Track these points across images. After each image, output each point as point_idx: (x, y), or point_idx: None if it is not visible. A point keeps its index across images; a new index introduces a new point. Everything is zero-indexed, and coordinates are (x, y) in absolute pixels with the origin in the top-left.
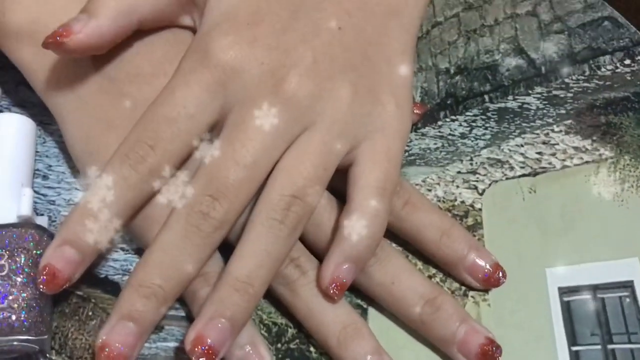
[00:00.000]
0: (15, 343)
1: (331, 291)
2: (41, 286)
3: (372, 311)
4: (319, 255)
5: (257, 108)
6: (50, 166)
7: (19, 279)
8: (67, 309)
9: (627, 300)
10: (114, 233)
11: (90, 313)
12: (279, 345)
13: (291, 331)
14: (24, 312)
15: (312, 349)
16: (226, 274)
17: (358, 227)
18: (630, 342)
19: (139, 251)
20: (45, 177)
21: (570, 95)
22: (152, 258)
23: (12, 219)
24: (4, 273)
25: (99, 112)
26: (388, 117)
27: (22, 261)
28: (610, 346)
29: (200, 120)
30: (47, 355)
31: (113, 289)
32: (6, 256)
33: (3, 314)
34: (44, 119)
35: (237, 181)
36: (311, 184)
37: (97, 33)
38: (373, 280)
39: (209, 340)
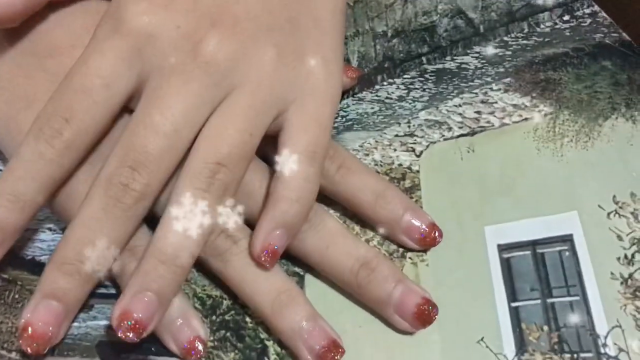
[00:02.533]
0: None
1: (263, 259)
2: None
3: (309, 277)
4: (250, 224)
5: (175, 74)
6: None
7: None
8: None
9: (567, 254)
10: (34, 211)
11: (16, 296)
12: (214, 317)
13: (226, 303)
14: None
15: (247, 319)
16: (151, 246)
17: (288, 192)
18: (569, 294)
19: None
20: None
21: (509, 53)
22: (73, 234)
23: None
24: None
25: (18, 89)
26: (316, 80)
27: None
28: (549, 300)
29: (116, 90)
30: None
31: (40, 270)
32: None
33: None
34: None
35: (157, 151)
36: (236, 150)
37: (7, 3)
38: (307, 245)
39: (136, 315)
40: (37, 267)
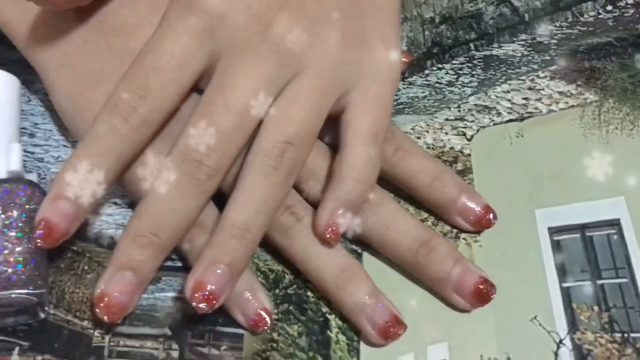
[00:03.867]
0: (13, 296)
1: (327, 236)
2: (38, 240)
3: (366, 256)
4: (312, 202)
5: (246, 54)
6: (37, 124)
7: (13, 234)
8: (62, 264)
9: (615, 237)
10: (107, 185)
11: (85, 267)
12: (277, 291)
13: (288, 277)
14: (20, 265)
15: (309, 293)
16: (223, 220)
17: (352, 172)
18: (618, 277)
19: (132, 205)
20: (32, 135)
21: (554, 42)
22: (148, 207)
23: (1, 174)
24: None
25: (85, 67)
26: (378, 63)
27: (16, 216)
28: (599, 281)
29: (189, 69)
30: (46, 308)
31: (107, 243)
32: (4, 209)
33: (4, 269)
34: (27, 77)
35: (229, 129)
36: (303, 130)
37: None
38: (368, 225)
39: (209, 286)
40: (103, 240)
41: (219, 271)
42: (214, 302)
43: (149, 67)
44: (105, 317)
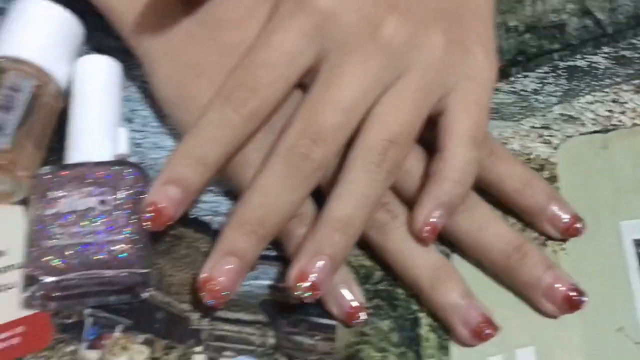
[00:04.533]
0: (122, 275)
1: (424, 234)
2: (146, 223)
3: (455, 258)
4: (405, 201)
5: (354, 53)
6: (134, 110)
7: (121, 215)
8: (162, 247)
9: None
10: (214, 174)
11: (183, 251)
12: (368, 286)
13: (378, 273)
14: (128, 245)
15: (399, 290)
16: (326, 214)
17: (451, 174)
18: None
19: (228, 193)
20: (130, 121)
21: (637, 55)
22: (254, 198)
23: (109, 157)
24: (108, 208)
25: (189, 57)
26: (478, 66)
27: (124, 197)
28: None
29: (298, 65)
30: (150, 289)
31: (203, 229)
32: (109, 192)
33: (109, 247)
34: (125, 64)
35: (335, 125)
36: (406, 130)
37: None
38: (461, 227)
39: (312, 277)
40: (200, 226)
41: (321, 263)
42: (317, 292)
43: (260, 62)
44: (210, 301)
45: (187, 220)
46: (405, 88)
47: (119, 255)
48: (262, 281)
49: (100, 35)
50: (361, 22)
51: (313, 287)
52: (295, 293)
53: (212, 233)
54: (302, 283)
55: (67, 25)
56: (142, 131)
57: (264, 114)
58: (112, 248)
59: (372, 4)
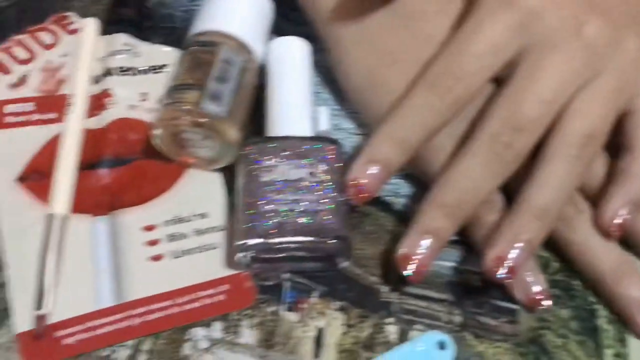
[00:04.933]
0: (328, 242)
1: (612, 230)
2: (348, 197)
3: None
4: (586, 197)
5: (558, 49)
6: (317, 92)
7: (326, 186)
8: (351, 222)
9: None
10: (411, 156)
11: (369, 228)
12: (545, 275)
13: (555, 264)
14: (332, 216)
15: (576, 281)
16: (525, 202)
17: None
18: None
19: (408, 176)
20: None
21: None
22: (454, 180)
23: (309, 133)
24: (316, 180)
25: (383, 45)
26: None
27: (327, 170)
28: None
29: (501, 58)
30: (347, 259)
31: (386, 208)
32: (315, 165)
33: (316, 216)
34: None
35: (537, 116)
36: (602, 127)
37: None
38: (638, 226)
39: (509, 261)
40: (382, 206)
41: (519, 248)
42: (513, 276)
43: (467, 51)
44: (411, 277)
45: (373, 200)
46: (602, 87)
47: (326, 224)
48: (446, 262)
49: (279, 19)
50: (566, 21)
51: (510, 271)
52: (492, 275)
53: (394, 213)
54: (499, 267)
55: (264, 6)
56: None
57: (465, 102)
58: (319, 217)
59: (575, 4)
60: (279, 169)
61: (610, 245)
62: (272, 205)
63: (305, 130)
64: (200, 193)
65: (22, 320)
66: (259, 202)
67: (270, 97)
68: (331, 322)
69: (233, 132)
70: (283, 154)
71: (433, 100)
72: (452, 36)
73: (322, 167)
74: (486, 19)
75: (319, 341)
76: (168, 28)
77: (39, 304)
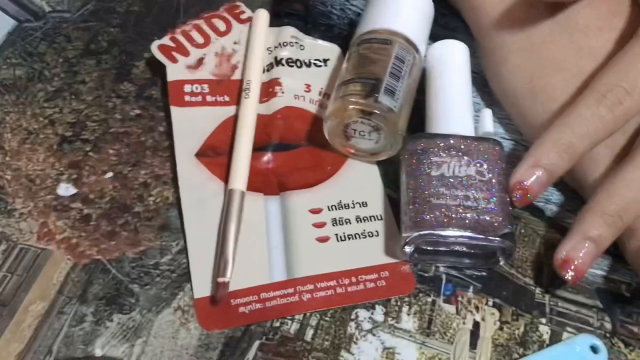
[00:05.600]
0: (492, 240)
1: None
2: (515, 200)
3: None
4: None
5: None
6: None
7: (492, 186)
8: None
9: None
10: (575, 162)
11: (522, 230)
12: None
13: None
14: (498, 214)
15: None
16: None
17: None
18: None
19: (558, 184)
20: None
21: None
22: (617, 190)
23: (472, 132)
24: (484, 178)
25: (547, 54)
26: None
27: (495, 170)
28: None
29: None
30: (508, 258)
31: (538, 214)
32: (483, 164)
33: (484, 213)
34: None
35: None
36: None
37: None
38: None
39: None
40: (535, 211)
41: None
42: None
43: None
44: (570, 279)
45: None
46: None
47: (492, 222)
48: (596, 270)
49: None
50: None
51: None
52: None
53: (545, 218)
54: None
55: (428, 7)
56: (482, 110)
57: (632, 116)
58: (486, 214)
59: None
60: (448, 165)
61: None
62: (441, 200)
63: (468, 130)
64: (360, 183)
65: (200, 286)
66: (428, 196)
67: (433, 97)
68: (486, 317)
69: (402, 126)
70: (450, 151)
71: (602, 111)
72: (623, 50)
73: (488, 166)
74: None
75: (475, 334)
76: (326, 25)
77: (223, 271)
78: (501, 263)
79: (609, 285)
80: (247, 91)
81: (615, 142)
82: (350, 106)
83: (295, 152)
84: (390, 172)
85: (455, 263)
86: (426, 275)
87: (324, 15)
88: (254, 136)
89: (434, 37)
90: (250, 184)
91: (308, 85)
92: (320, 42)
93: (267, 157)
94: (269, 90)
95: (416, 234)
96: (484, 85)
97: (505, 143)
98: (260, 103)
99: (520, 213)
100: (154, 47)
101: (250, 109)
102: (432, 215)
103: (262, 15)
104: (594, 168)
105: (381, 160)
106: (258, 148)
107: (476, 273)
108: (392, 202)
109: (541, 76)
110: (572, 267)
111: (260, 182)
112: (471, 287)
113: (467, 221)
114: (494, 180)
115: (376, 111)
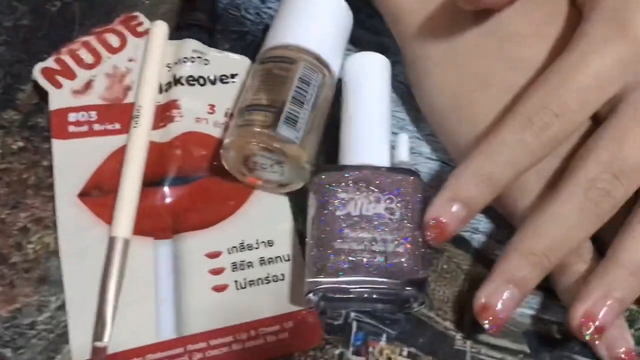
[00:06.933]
0: (402, 286)
1: None
2: (429, 237)
3: None
4: None
5: None
6: (393, 111)
7: (404, 224)
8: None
9: None
10: (498, 194)
11: (444, 266)
12: (631, 330)
13: None
14: (409, 256)
15: None
16: (620, 254)
17: None
18: None
19: (487, 211)
20: None
21: None
22: (544, 227)
23: (388, 162)
24: (393, 216)
25: (473, 68)
26: None
27: (407, 206)
28: None
29: (606, 93)
30: (423, 302)
31: (463, 245)
32: (394, 200)
33: (392, 256)
34: None
35: None
36: None
37: None
38: None
39: (599, 320)
40: (460, 242)
41: (610, 305)
42: (601, 335)
43: (570, 85)
44: (487, 327)
45: None
46: None
47: (402, 266)
48: (525, 310)
49: (354, 27)
50: None
51: (598, 330)
52: (578, 332)
53: (472, 251)
54: (589, 323)
55: (343, 16)
56: (399, 134)
57: (561, 141)
58: (395, 258)
59: None
60: (355, 203)
61: None
62: (346, 243)
63: (383, 159)
64: (267, 218)
65: (80, 348)
66: (332, 238)
67: (346, 121)
68: None
69: (306, 158)
70: (359, 185)
71: (527, 137)
72: (552, 66)
73: (401, 201)
74: (594, 50)
75: None
76: (238, 32)
77: (99, 334)
78: (416, 308)
79: (539, 327)
80: (136, 119)
81: (547, 168)
82: (246, 138)
83: (195, 185)
84: (302, 203)
85: (368, 309)
86: (335, 323)
87: (236, 21)
88: (143, 171)
89: (358, 42)
90: (139, 228)
91: (212, 106)
92: (228, 54)
93: (162, 193)
94: (165, 114)
95: (319, 281)
96: (411, 97)
97: (432, 164)
98: (155, 130)
99: (443, 245)
100: (37, 70)
101: (140, 139)
102: (336, 261)
103: (159, 28)
104: (524, 197)
105: (292, 191)
106: (151, 183)
107: (391, 317)
108: (303, 238)
109: (467, 92)
110: (493, 314)
111: (151, 224)
112: (384, 335)
113: (372, 268)
114: (405, 219)
115: (275, 145)
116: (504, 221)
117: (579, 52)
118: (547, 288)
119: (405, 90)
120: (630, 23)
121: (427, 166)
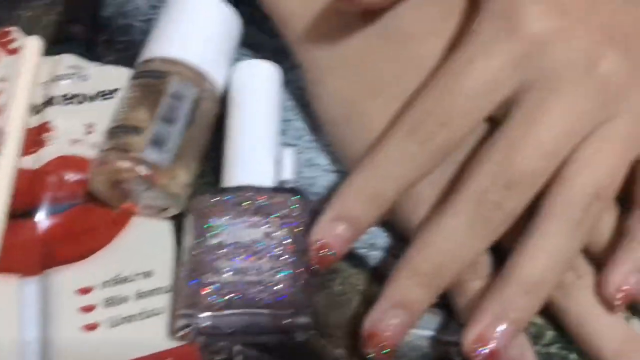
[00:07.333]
0: (283, 317)
1: (616, 300)
2: (312, 261)
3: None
4: (590, 258)
5: (565, 88)
6: (288, 120)
7: (286, 249)
8: (316, 281)
9: None
10: (386, 210)
11: (338, 288)
12: (537, 347)
13: (550, 333)
14: (290, 285)
15: (573, 355)
16: (514, 272)
17: None
18: None
19: (385, 225)
20: (283, 132)
21: None
22: (432, 243)
23: (272, 181)
24: (272, 242)
25: (365, 72)
26: None
27: (289, 229)
28: None
29: (496, 97)
30: (308, 332)
31: (359, 263)
32: (274, 223)
33: (272, 286)
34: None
35: (534, 171)
36: (612, 182)
37: None
38: None
39: (492, 343)
40: (356, 260)
41: (504, 328)
42: (496, 358)
43: (456, 90)
44: (375, 355)
45: None
46: (614, 133)
47: (281, 297)
48: (423, 331)
49: (254, 30)
50: (577, 54)
51: (492, 354)
52: (470, 356)
53: (368, 269)
54: (480, 347)
55: (226, 21)
56: (295, 145)
57: (450, 150)
58: (275, 287)
59: (588, 34)
60: (230, 230)
61: (613, 319)
62: (219, 274)
63: (267, 177)
64: (146, 246)
65: None
66: (204, 270)
67: (228, 137)
68: None
69: (180, 180)
70: (236, 209)
71: (412, 148)
72: (439, 70)
73: (280, 226)
74: (481, 51)
75: None
76: (124, 42)
77: None
78: (301, 338)
79: (436, 349)
80: (3, 143)
81: (441, 177)
82: (112, 164)
83: (69, 214)
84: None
85: (252, 341)
86: (218, 358)
87: (122, 30)
88: (9, 202)
89: (256, 46)
90: (5, 263)
91: (90, 126)
92: (110, 68)
93: (31, 224)
94: (37, 138)
95: (190, 315)
96: (310, 104)
97: (331, 176)
98: (26, 156)
99: (339, 264)
100: None
101: (7, 165)
102: (207, 295)
103: (31, 44)
104: (417, 210)
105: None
106: (21, 214)
107: (277, 348)
108: None
109: (360, 99)
110: (379, 341)
111: (18, 260)
112: None
113: (251, 298)
114: (285, 243)
115: (140, 169)
116: (404, 237)
117: (466, 53)
118: (446, 305)
119: (304, 96)
120: (521, 17)
121: (325, 179)
